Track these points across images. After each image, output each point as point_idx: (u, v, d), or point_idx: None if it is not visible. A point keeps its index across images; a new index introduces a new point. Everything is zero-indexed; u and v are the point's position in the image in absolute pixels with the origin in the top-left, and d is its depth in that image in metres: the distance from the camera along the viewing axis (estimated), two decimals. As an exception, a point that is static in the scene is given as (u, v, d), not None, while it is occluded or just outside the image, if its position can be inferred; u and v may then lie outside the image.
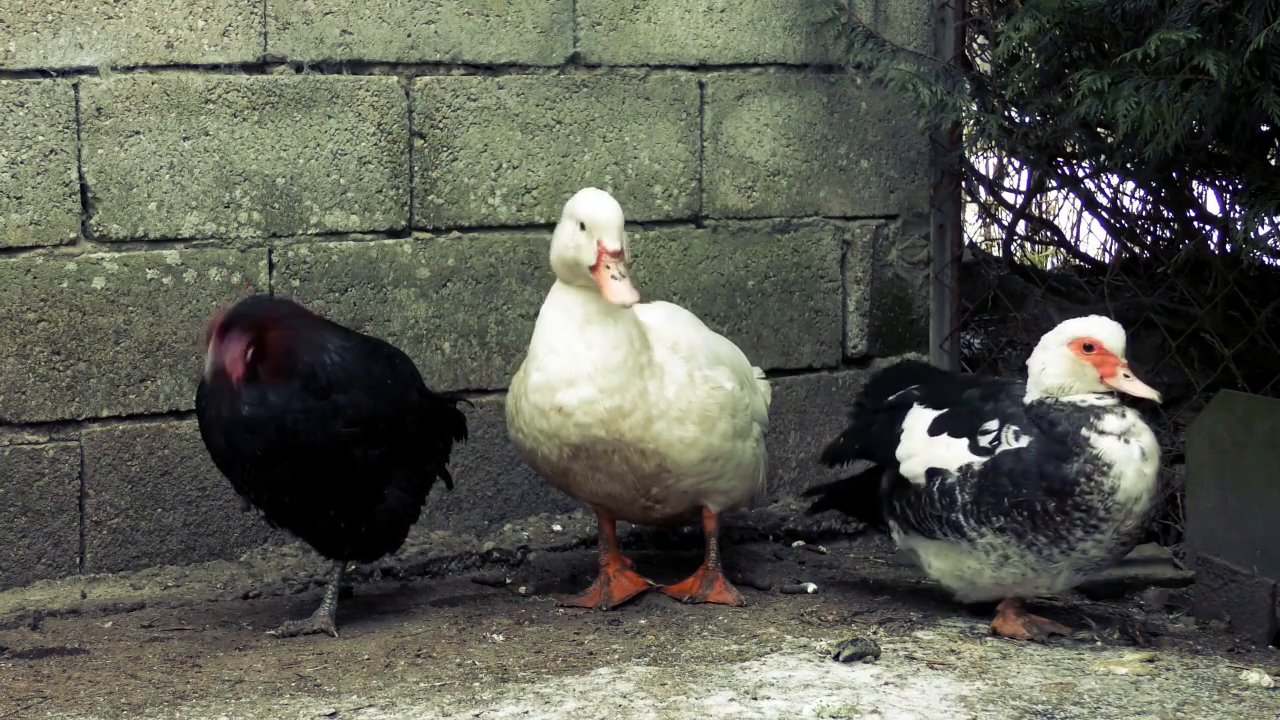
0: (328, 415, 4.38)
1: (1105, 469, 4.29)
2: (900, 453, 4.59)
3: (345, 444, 4.42)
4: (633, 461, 4.59)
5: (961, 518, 4.45)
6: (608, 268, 4.42)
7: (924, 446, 4.54)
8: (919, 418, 4.61)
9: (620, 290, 4.39)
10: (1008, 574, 4.49)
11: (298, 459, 4.37)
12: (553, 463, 4.63)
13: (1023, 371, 4.58)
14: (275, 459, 4.36)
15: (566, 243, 4.51)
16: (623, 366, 4.51)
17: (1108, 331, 4.39)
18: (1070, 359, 4.38)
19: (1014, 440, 4.41)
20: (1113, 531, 4.35)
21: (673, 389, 4.59)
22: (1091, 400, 4.36)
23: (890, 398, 4.80)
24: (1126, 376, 4.36)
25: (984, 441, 4.45)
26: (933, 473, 4.51)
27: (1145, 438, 4.34)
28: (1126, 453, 4.31)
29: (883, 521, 4.75)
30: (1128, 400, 4.39)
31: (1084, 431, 4.32)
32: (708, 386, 4.65)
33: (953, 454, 4.48)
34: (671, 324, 4.75)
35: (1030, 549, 4.40)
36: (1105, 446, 4.30)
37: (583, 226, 4.46)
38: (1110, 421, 4.33)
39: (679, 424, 4.58)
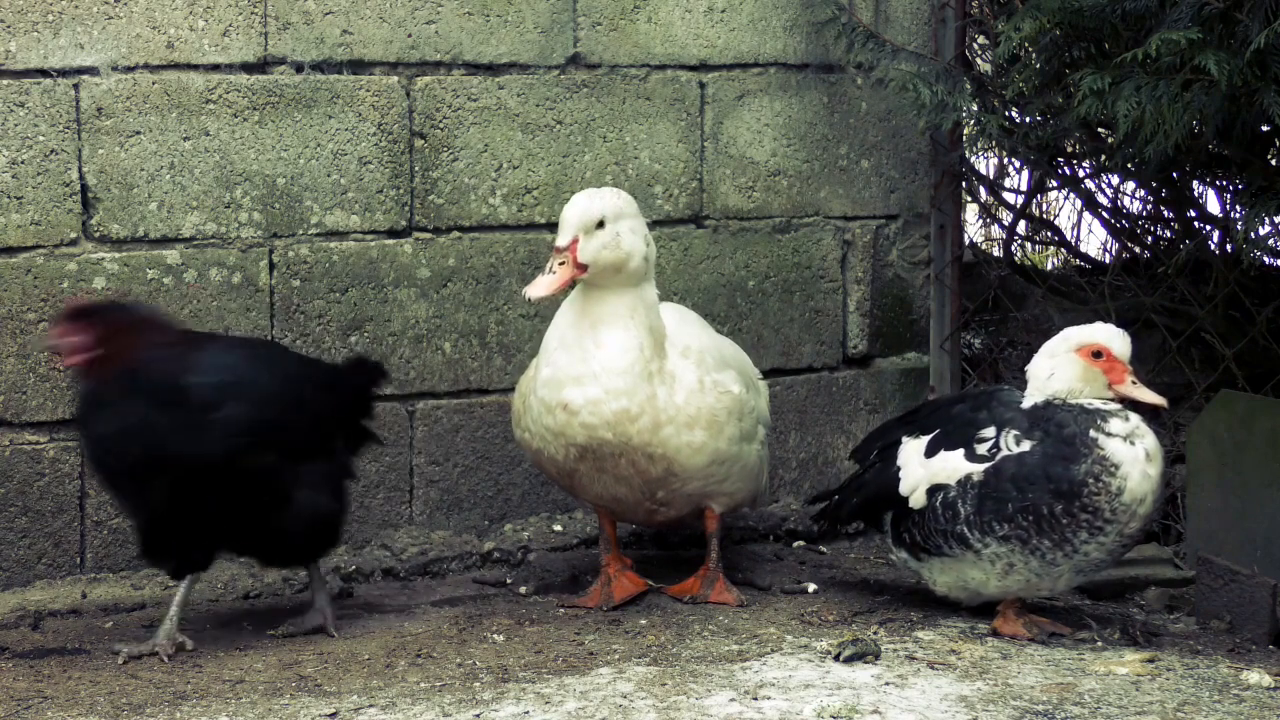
0: (201, 429, 4.17)
1: (1113, 469, 4.30)
2: (904, 488, 4.59)
3: (228, 457, 4.20)
4: (640, 465, 4.58)
5: (966, 529, 4.45)
6: (551, 259, 4.48)
7: (924, 471, 4.55)
8: (913, 448, 4.62)
9: (534, 283, 4.44)
10: (1013, 581, 4.49)
11: (174, 475, 4.18)
12: (559, 463, 4.63)
13: (1024, 370, 4.58)
14: (150, 475, 4.17)
15: None
16: (630, 370, 4.50)
17: (1116, 339, 4.41)
18: (1080, 365, 4.40)
19: (1015, 445, 4.41)
20: (1116, 534, 4.35)
21: (682, 394, 4.58)
22: (1098, 404, 4.38)
23: (878, 445, 4.83)
24: (1134, 383, 4.39)
25: (982, 449, 4.45)
26: (934, 489, 4.51)
27: (1149, 440, 4.35)
28: (1133, 454, 4.32)
29: (885, 534, 4.76)
30: (1129, 404, 4.40)
31: (1092, 433, 4.33)
32: (716, 391, 4.65)
33: (952, 466, 4.48)
34: (682, 326, 4.75)
35: (1034, 554, 4.40)
36: (1113, 448, 4.31)
37: None
38: (1116, 424, 4.34)
39: (688, 429, 4.58)
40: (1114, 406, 4.38)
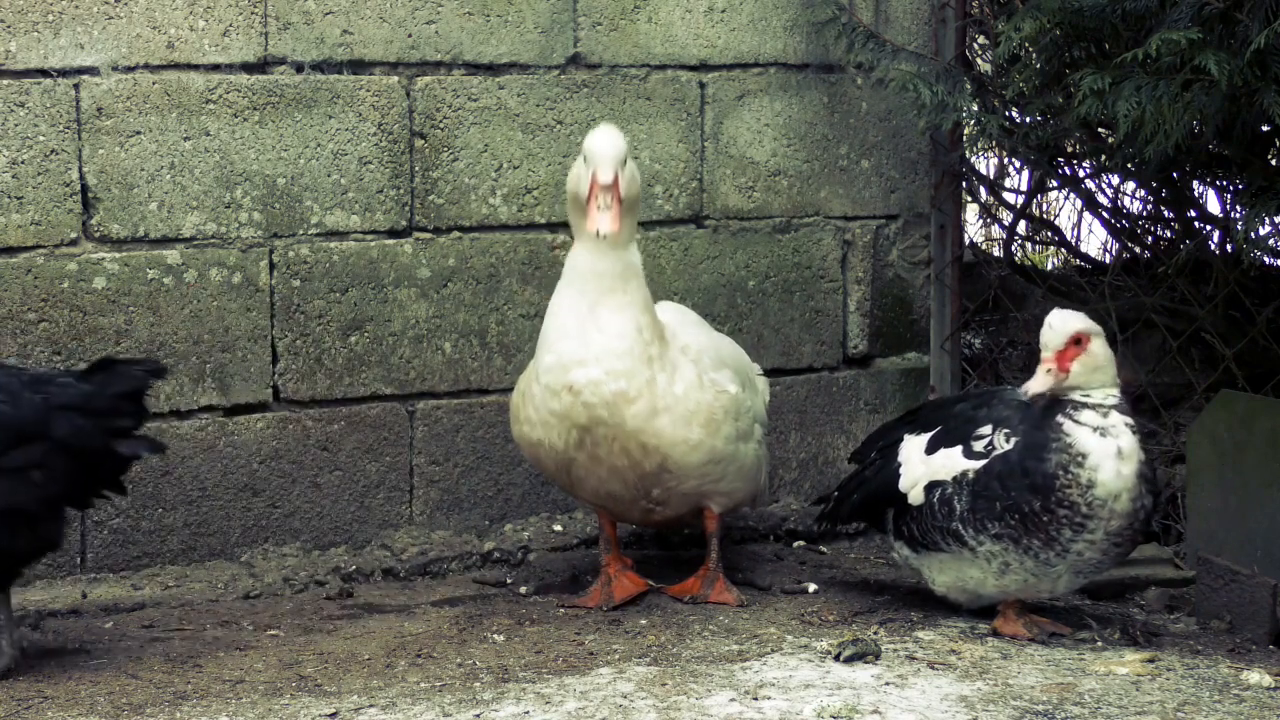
0: None
1: (1080, 459, 4.28)
2: (904, 484, 4.59)
3: None
4: (634, 455, 4.58)
5: (961, 527, 4.45)
6: (596, 198, 4.47)
7: (924, 468, 4.55)
8: (914, 444, 4.62)
9: (600, 219, 4.45)
10: (1010, 581, 4.49)
11: None
12: (558, 451, 4.62)
13: (1025, 371, 4.58)
14: None
15: (572, 177, 4.59)
16: (629, 353, 4.53)
17: (1044, 326, 4.39)
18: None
19: (1005, 443, 4.41)
20: (1102, 531, 4.33)
21: (682, 386, 4.59)
22: (1076, 396, 4.36)
23: (878, 445, 4.83)
24: (1037, 371, 4.35)
25: (978, 446, 4.45)
26: (932, 485, 4.51)
27: (1125, 439, 4.32)
28: (1102, 446, 4.29)
29: (886, 533, 4.76)
30: (1125, 405, 4.38)
31: (1059, 418, 4.32)
32: (714, 390, 4.66)
33: (951, 463, 4.48)
34: (681, 326, 4.77)
35: (1027, 554, 4.40)
36: (1080, 437, 4.30)
37: (586, 160, 4.53)
38: (1088, 415, 4.32)
39: (684, 423, 4.58)
40: (1093, 400, 4.35)
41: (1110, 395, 4.37)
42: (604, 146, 4.48)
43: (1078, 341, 4.35)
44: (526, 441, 4.74)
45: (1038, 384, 4.33)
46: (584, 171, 4.52)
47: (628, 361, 4.53)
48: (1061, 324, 4.36)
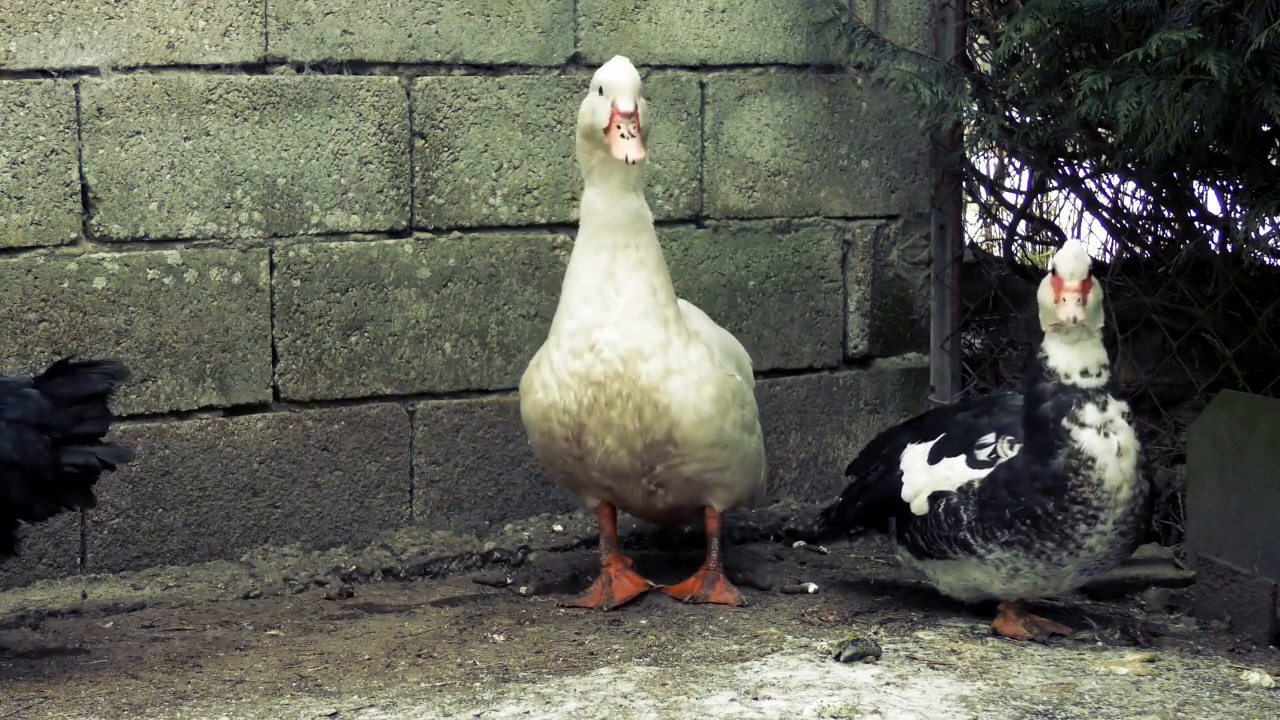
0: None
1: (1090, 463, 4.29)
2: (906, 493, 4.59)
3: None
4: (645, 417, 4.59)
5: (969, 536, 4.45)
6: (618, 128, 4.50)
7: (927, 478, 4.54)
8: (916, 453, 4.61)
9: (627, 147, 4.47)
10: (1019, 584, 4.49)
11: None
12: (572, 414, 4.62)
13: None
14: None
15: (586, 109, 4.62)
16: (646, 316, 4.61)
17: (1065, 256, 4.33)
18: (1045, 288, 4.39)
19: (1009, 450, 4.41)
20: (1111, 521, 4.34)
21: (695, 355, 4.65)
22: (1076, 378, 4.34)
23: (883, 450, 4.82)
24: (1063, 300, 4.29)
25: (982, 455, 4.45)
26: (936, 496, 4.51)
27: (1123, 434, 4.32)
28: (1106, 445, 4.30)
29: (889, 537, 4.76)
30: (1115, 388, 4.37)
31: (1065, 423, 4.31)
32: (723, 372, 4.70)
33: (955, 473, 4.48)
34: (689, 320, 4.79)
35: (1039, 558, 4.39)
36: (1086, 440, 4.30)
37: (601, 91, 4.55)
38: (1090, 412, 4.31)
39: (695, 388, 4.62)
40: (1090, 384, 4.32)
41: (1104, 367, 4.35)
42: (623, 77, 4.53)
43: (1089, 274, 4.35)
44: (538, 410, 4.72)
45: (1076, 309, 4.27)
46: (600, 103, 4.55)
47: (643, 324, 4.60)
48: (1084, 252, 4.35)
